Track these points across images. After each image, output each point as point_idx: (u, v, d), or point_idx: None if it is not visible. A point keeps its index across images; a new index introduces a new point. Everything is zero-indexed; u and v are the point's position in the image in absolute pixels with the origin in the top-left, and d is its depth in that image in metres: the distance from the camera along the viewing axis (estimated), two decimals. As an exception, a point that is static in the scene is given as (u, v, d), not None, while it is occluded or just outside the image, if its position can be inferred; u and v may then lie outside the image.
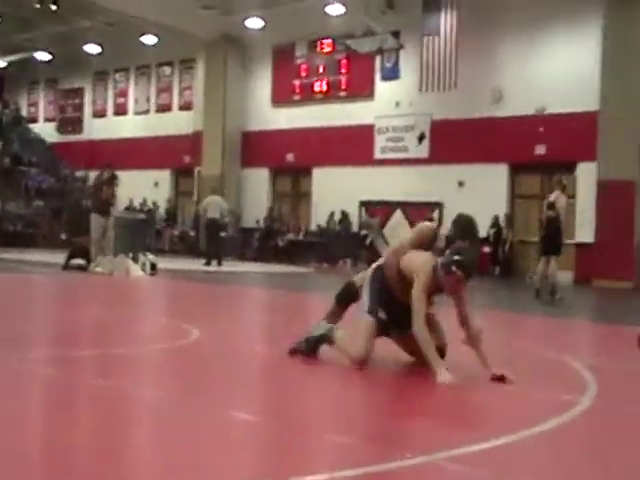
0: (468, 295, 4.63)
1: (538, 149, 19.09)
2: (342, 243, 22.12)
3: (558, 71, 18.81)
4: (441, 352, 4.70)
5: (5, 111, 32.42)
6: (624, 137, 17.06)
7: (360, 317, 4.79)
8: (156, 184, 27.82)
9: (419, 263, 4.63)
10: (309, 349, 4.88)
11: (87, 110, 31.30)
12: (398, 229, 21.89)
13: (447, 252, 4.55)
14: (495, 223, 19.51)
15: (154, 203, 26.93)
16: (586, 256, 17.43)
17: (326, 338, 4.85)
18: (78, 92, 31.64)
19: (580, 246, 17.48)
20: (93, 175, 24.61)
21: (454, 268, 4.45)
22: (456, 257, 4.46)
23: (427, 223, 5.07)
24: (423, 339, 4.49)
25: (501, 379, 4.36)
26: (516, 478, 2.68)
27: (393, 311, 4.75)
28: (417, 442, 3.12)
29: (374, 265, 4.97)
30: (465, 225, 4.83)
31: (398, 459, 2.77)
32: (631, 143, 17.10)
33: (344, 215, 22.35)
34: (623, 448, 3.22)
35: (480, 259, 18.43)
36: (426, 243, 4.83)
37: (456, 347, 4.80)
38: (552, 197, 12.10)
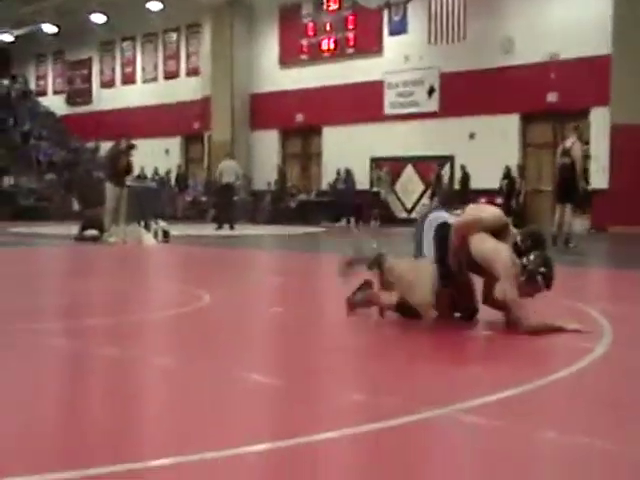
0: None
1: (550, 97, 18.83)
2: (346, 201, 22.12)
3: (569, 16, 18.47)
4: (472, 314, 4.67)
5: (14, 85, 32.35)
6: (637, 80, 16.76)
7: (426, 261, 4.53)
8: (167, 151, 27.79)
9: (504, 261, 4.35)
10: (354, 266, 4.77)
11: (95, 81, 31.22)
12: (409, 184, 21.80)
13: (532, 258, 4.37)
14: (507, 174, 19.33)
15: (168, 172, 26.89)
16: (601, 202, 17.26)
17: (379, 259, 4.70)
18: (86, 63, 31.52)
19: (595, 193, 17.29)
20: (104, 146, 24.67)
21: (539, 279, 4.34)
22: (543, 269, 4.34)
23: (498, 211, 4.76)
24: (535, 327, 4.25)
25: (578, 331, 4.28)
26: (532, 427, 2.64)
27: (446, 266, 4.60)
28: (433, 395, 3.08)
29: (437, 220, 4.65)
30: (542, 238, 4.64)
31: (413, 413, 2.73)
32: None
33: (348, 173, 22.26)
34: (639, 395, 3.17)
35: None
36: (497, 231, 4.55)
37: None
38: (568, 143, 11.91)
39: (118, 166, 13.73)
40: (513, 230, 4.70)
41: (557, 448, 2.47)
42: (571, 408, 2.99)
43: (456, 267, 4.58)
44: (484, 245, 4.43)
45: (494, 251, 4.39)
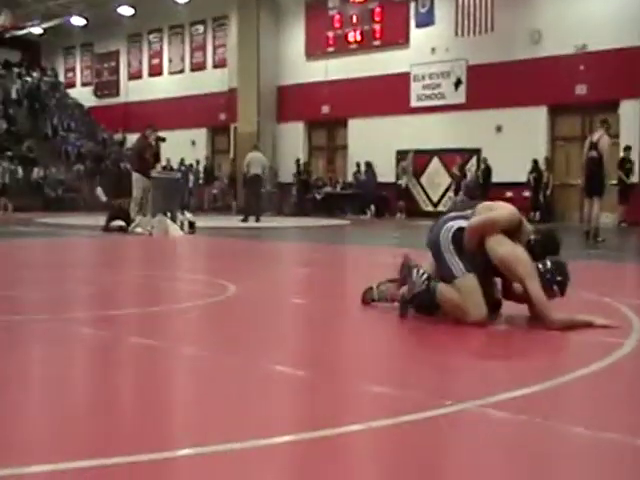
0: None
1: (579, 89, 18.61)
2: (368, 193, 22.16)
3: (597, 7, 18.24)
4: (496, 306, 4.61)
5: (43, 78, 32.64)
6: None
7: (462, 278, 4.37)
8: (193, 143, 27.92)
9: (525, 262, 4.31)
10: (409, 305, 4.49)
11: (123, 73, 31.41)
12: (436, 177, 21.71)
13: (549, 265, 4.35)
14: (535, 167, 19.16)
15: (197, 162, 26.99)
16: (632, 196, 17.05)
17: (429, 297, 4.39)
18: (113, 55, 31.72)
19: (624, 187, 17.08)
20: (130, 138, 24.83)
21: (556, 288, 4.34)
22: (560, 278, 4.33)
23: (511, 208, 4.63)
24: (563, 322, 4.24)
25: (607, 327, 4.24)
26: (557, 423, 2.62)
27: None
28: (457, 389, 3.07)
29: (448, 227, 4.53)
30: (557, 242, 4.59)
31: (437, 407, 2.72)
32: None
33: (368, 165, 22.28)
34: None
35: (519, 205, 18.21)
36: (512, 230, 4.48)
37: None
38: (595, 137, 11.83)
39: (145, 157, 13.82)
40: (528, 226, 4.62)
41: (584, 444, 2.44)
42: (599, 404, 2.96)
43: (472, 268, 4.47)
44: (501, 248, 4.35)
45: (513, 255, 4.33)
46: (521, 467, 2.25)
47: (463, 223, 4.51)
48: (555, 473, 2.22)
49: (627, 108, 17.65)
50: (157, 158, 13.98)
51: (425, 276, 4.43)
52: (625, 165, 16.93)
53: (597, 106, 17.95)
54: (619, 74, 17.63)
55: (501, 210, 4.58)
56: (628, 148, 17.01)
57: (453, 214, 4.74)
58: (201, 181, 26.88)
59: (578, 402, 3.00)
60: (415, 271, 4.47)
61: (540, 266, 4.35)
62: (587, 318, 4.31)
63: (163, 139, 14.34)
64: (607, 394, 3.10)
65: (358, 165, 22.60)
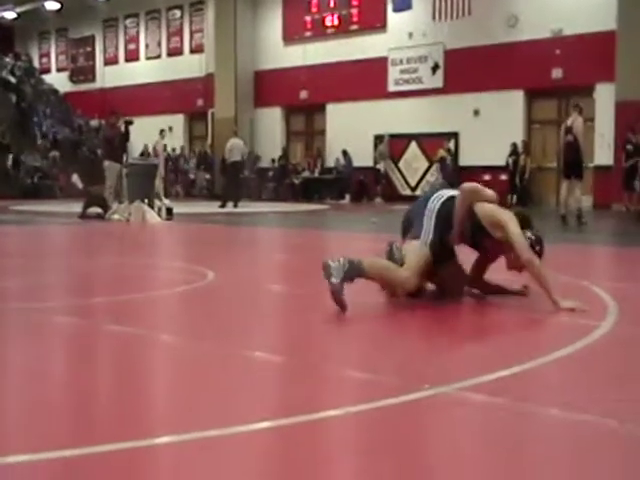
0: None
1: (555, 73, 18.70)
2: (345, 178, 22.21)
3: (574, -9, 18.31)
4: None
5: (17, 63, 32.23)
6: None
7: (417, 244, 4.52)
8: (170, 129, 27.71)
9: (509, 214, 4.58)
10: (343, 289, 4.31)
11: (99, 58, 31.10)
12: (414, 161, 21.75)
13: (528, 234, 4.53)
14: (514, 151, 19.25)
15: (172, 149, 26.85)
16: (605, 179, 17.19)
17: (355, 268, 4.33)
18: (89, 40, 31.39)
19: (599, 169, 17.22)
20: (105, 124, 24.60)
21: (538, 248, 4.50)
22: (538, 247, 4.51)
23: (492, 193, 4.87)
24: (537, 271, 4.40)
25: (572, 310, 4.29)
26: (533, 405, 2.64)
27: (442, 247, 4.62)
28: (435, 373, 3.09)
29: (438, 196, 4.72)
30: (529, 220, 4.74)
31: (415, 391, 2.74)
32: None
33: (344, 153, 22.31)
34: (645, 370, 3.17)
35: (496, 189, 18.31)
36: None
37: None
38: (569, 121, 11.98)
39: (115, 144, 13.79)
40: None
41: (560, 425, 2.47)
42: (575, 385, 2.99)
43: (457, 241, 4.65)
44: (491, 208, 4.61)
45: (497, 210, 4.60)
46: (498, 449, 2.28)
47: (454, 192, 4.76)
48: (531, 455, 2.25)
49: (602, 92, 17.75)
50: (126, 144, 14.01)
51: (343, 259, 4.33)
52: None
53: (573, 90, 18.06)
54: (594, 58, 17.72)
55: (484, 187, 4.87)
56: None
57: (439, 188, 4.94)
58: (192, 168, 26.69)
59: (554, 384, 3.03)
60: (331, 260, 4.32)
61: (530, 241, 4.50)
62: (558, 299, 4.35)
63: (131, 122, 14.31)
64: (583, 376, 3.13)
65: (345, 152, 22.56)
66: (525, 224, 4.62)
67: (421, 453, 2.26)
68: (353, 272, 4.31)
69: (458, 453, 2.25)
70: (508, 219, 4.52)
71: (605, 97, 17.47)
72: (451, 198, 4.68)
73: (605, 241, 10.42)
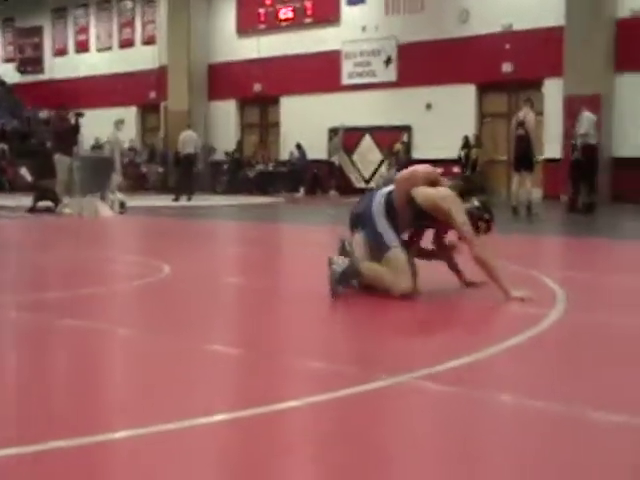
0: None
1: (505, 67, 18.97)
2: (300, 171, 22.24)
3: (523, -13, 18.59)
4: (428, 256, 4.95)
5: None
6: (590, 51, 16.98)
7: (391, 252, 4.54)
8: (122, 121, 27.34)
9: (451, 198, 4.56)
10: (340, 284, 4.50)
11: (47, 49, 30.51)
12: (368, 154, 21.86)
13: (476, 204, 4.63)
14: (466, 144, 19.47)
15: (130, 140, 26.56)
16: (554, 172, 17.51)
17: (354, 271, 4.51)
18: (37, 31, 30.76)
19: (548, 162, 17.52)
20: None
21: (483, 225, 4.60)
22: (487, 215, 4.62)
23: (427, 165, 4.94)
24: (485, 259, 4.47)
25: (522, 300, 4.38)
26: (488, 392, 2.72)
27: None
28: (392, 363, 3.14)
29: (382, 192, 4.79)
30: (477, 183, 4.86)
31: (373, 381, 2.79)
32: (596, 57, 17.05)
33: (298, 146, 22.32)
34: (592, 360, 3.28)
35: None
36: (432, 181, 4.75)
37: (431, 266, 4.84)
38: (521, 115, 12.20)
39: (65, 137, 13.59)
40: (445, 179, 4.91)
41: (512, 412, 2.55)
42: (526, 373, 3.08)
43: (402, 229, 4.71)
44: (429, 191, 4.63)
45: (438, 195, 4.60)
46: (453, 436, 2.34)
47: (391, 187, 4.81)
48: (484, 441, 2.32)
49: (551, 86, 18.04)
50: (77, 132, 13.83)
51: (347, 258, 4.53)
52: None
53: (522, 84, 18.34)
54: (543, 53, 18.00)
55: (417, 167, 4.93)
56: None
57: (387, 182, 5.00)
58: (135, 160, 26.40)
59: (507, 372, 3.12)
60: (336, 256, 4.56)
61: (468, 205, 4.61)
62: (508, 288, 4.43)
63: (81, 114, 14.11)
64: (534, 363, 3.23)
65: (299, 146, 22.54)
66: (471, 191, 4.73)
67: (379, 442, 2.31)
68: (350, 272, 4.48)
69: (415, 441, 2.31)
70: (451, 205, 4.51)
71: (553, 91, 17.76)
72: (391, 192, 4.75)
73: (554, 231, 10.64)
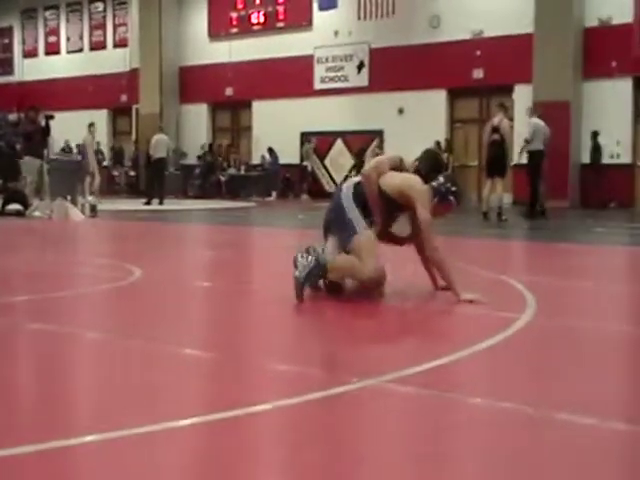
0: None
1: (475, 73, 19.15)
2: (272, 175, 22.24)
3: (493, -6, 18.80)
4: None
5: None
6: (558, 58, 17.22)
7: (358, 236, 4.55)
8: (93, 124, 27.16)
9: (418, 187, 4.62)
10: (305, 284, 4.48)
11: (17, 50, 30.21)
12: (339, 159, 21.92)
13: (442, 179, 4.69)
14: (438, 148, 19.59)
15: (97, 143, 26.35)
16: (524, 177, 17.67)
17: (320, 269, 4.49)
18: (6, 32, 30.45)
19: (519, 167, 17.70)
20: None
21: (452, 198, 4.65)
22: (454, 188, 4.67)
23: (389, 153, 5.14)
24: (440, 259, 4.54)
25: (471, 302, 4.43)
26: (457, 395, 2.74)
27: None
28: (362, 366, 3.15)
29: (350, 183, 4.84)
30: (439, 160, 4.92)
31: (343, 384, 2.80)
32: (565, 64, 17.29)
33: (270, 150, 22.32)
34: (562, 363, 3.31)
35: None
36: (396, 167, 4.85)
37: (402, 269, 4.86)
38: (496, 121, 12.27)
39: (35, 139, 13.46)
40: (409, 160, 4.99)
41: (481, 414, 2.57)
42: (496, 376, 3.11)
43: (379, 220, 4.71)
44: (395, 179, 4.69)
45: (406, 183, 4.67)
46: (425, 438, 2.36)
47: (357, 178, 4.89)
48: (454, 442, 2.34)
49: (521, 92, 18.24)
50: (47, 134, 13.70)
51: (312, 257, 4.52)
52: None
53: (493, 90, 18.53)
54: (513, 60, 18.21)
55: (379, 157, 5.15)
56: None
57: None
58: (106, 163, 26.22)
59: (477, 375, 3.14)
60: (300, 255, 4.53)
61: (434, 184, 4.68)
62: (459, 290, 4.49)
63: (52, 116, 13.99)
64: (504, 366, 3.26)
65: (271, 150, 22.52)
66: (435, 164, 4.85)
67: (350, 444, 2.31)
68: (317, 271, 4.46)
69: (386, 443, 2.32)
70: (417, 197, 4.57)
71: (523, 97, 17.96)
72: (359, 183, 4.79)
73: (523, 237, 10.74)
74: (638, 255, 8.36)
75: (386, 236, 4.81)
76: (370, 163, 4.91)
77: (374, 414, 2.58)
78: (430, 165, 4.83)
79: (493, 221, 11.93)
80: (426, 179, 4.69)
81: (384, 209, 4.67)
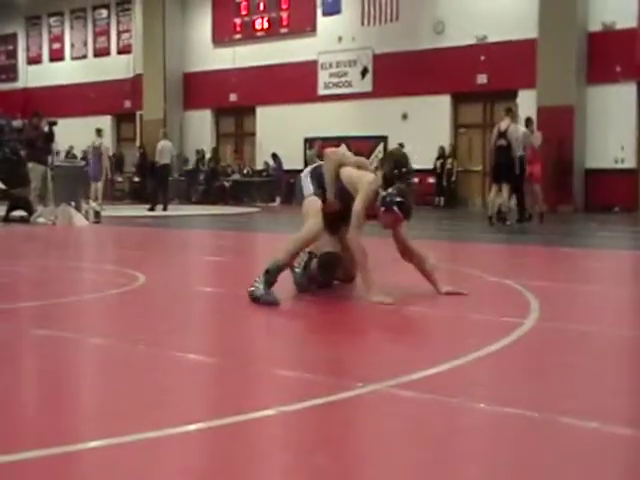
0: (404, 230, 4.90)
1: (479, 78, 19.15)
2: (276, 181, 22.25)
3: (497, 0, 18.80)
4: (428, 275, 4.93)
5: None
6: (562, 63, 17.21)
7: (308, 199, 4.90)
8: (97, 131, 27.22)
9: (365, 181, 4.82)
10: (268, 285, 4.62)
11: (21, 57, 30.31)
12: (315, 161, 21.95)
13: (389, 190, 4.70)
14: (442, 154, 19.61)
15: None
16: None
17: (278, 266, 4.65)
18: (10, 38, 30.54)
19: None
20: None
21: (395, 208, 4.67)
22: (399, 199, 4.66)
23: (365, 160, 5.29)
24: (356, 250, 4.70)
25: (453, 293, 4.50)
26: (461, 400, 2.73)
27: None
28: (367, 372, 3.15)
29: (310, 167, 5.20)
30: (398, 158, 4.94)
31: (348, 389, 2.79)
32: (569, 69, 17.28)
33: (274, 156, 22.32)
34: (566, 368, 3.30)
35: (424, 191, 18.67)
36: (361, 166, 5.09)
37: (398, 271, 4.85)
38: (503, 126, 12.19)
39: (38, 146, 13.48)
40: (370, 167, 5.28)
41: (486, 419, 2.56)
42: (500, 380, 3.10)
43: (336, 202, 4.93)
44: (353, 172, 4.93)
45: (356, 176, 4.90)
46: (428, 444, 2.35)
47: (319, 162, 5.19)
48: (459, 447, 2.33)
49: (525, 97, 18.23)
50: (50, 140, 13.74)
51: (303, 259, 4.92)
52: None
53: (497, 95, 18.53)
54: (517, 65, 18.21)
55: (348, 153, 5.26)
56: None
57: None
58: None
59: (482, 380, 3.13)
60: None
61: (384, 193, 4.74)
62: (372, 287, 4.62)
63: (55, 123, 14.03)
64: (508, 371, 3.25)
65: (275, 156, 22.54)
66: (397, 159, 4.93)
67: (355, 449, 2.31)
68: (272, 276, 4.60)
69: (391, 448, 2.31)
70: (361, 189, 4.78)
71: (527, 102, 17.96)
72: (316, 167, 5.12)
73: (528, 241, 10.72)
74: (643, 260, 8.34)
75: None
76: (333, 150, 5.13)
77: (378, 419, 2.57)
78: (390, 166, 4.85)
79: (497, 225, 11.92)
80: (389, 181, 4.76)
81: (337, 189, 4.90)
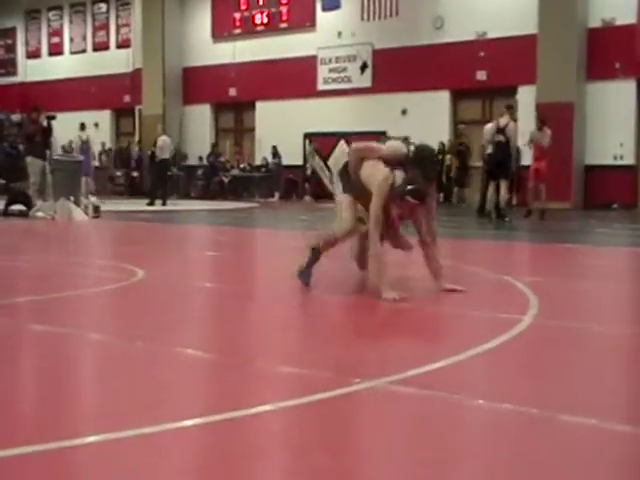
0: (431, 210, 4.97)
1: (479, 74, 19.13)
2: (275, 176, 22.23)
3: (497, -5, 18.80)
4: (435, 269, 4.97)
5: None
6: (562, 60, 17.19)
7: (339, 196, 5.13)
8: (96, 125, 27.18)
9: (378, 180, 4.84)
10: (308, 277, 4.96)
11: (20, 51, 30.25)
12: (342, 160, 21.91)
13: (400, 182, 4.77)
14: (442, 150, 19.58)
15: (102, 144, 26.39)
16: (527, 179, 17.66)
17: (314, 255, 4.95)
18: (9, 33, 30.49)
19: (523, 169, 17.68)
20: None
21: (409, 198, 4.72)
22: (409, 187, 4.72)
23: (400, 144, 5.15)
24: (372, 254, 4.71)
25: (452, 290, 4.52)
26: (459, 396, 2.73)
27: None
28: (366, 368, 3.15)
29: (340, 166, 5.37)
30: (421, 155, 4.93)
31: (347, 385, 2.79)
32: (569, 65, 17.26)
33: (274, 150, 22.29)
34: (564, 365, 3.31)
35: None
36: (394, 162, 4.97)
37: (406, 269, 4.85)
38: (502, 122, 12.21)
39: (36, 140, 13.46)
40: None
41: (485, 415, 2.57)
42: (499, 377, 3.11)
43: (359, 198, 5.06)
44: (365, 170, 4.99)
45: (372, 176, 4.91)
46: (427, 440, 2.35)
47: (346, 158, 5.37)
48: (458, 443, 2.33)
49: (524, 94, 18.21)
50: (49, 135, 13.70)
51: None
52: None
53: (497, 91, 18.52)
54: (516, 61, 18.19)
55: (377, 145, 5.27)
56: None
57: None
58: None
59: (480, 376, 3.14)
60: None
61: (400, 190, 4.80)
62: (384, 288, 4.62)
63: (53, 117, 13.99)
64: (507, 367, 3.25)
65: (274, 151, 22.52)
66: (423, 153, 4.95)
67: (355, 445, 2.31)
68: (315, 255, 4.91)
69: (391, 444, 2.32)
70: (375, 191, 4.81)
71: (527, 99, 17.95)
72: (345, 165, 5.27)
73: (527, 238, 10.72)
74: (641, 256, 8.35)
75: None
76: (358, 145, 5.23)
77: (377, 415, 2.58)
78: (416, 173, 4.84)
79: (496, 222, 11.91)
80: (411, 182, 4.78)
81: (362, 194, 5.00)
